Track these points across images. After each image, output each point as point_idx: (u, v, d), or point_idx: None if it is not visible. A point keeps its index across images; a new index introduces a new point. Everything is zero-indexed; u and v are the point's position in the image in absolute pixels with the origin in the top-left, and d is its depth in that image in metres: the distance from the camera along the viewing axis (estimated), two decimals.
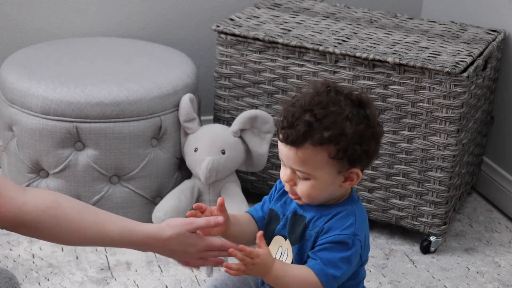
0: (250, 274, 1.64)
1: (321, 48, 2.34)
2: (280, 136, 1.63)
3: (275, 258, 1.74)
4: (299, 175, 1.64)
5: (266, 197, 1.83)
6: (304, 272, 1.64)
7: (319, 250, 1.67)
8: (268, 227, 1.78)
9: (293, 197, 1.70)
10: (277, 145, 2.52)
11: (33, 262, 2.27)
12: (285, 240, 1.75)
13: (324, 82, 1.68)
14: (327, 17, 2.61)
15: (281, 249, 1.76)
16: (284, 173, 1.67)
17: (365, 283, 1.82)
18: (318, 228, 1.68)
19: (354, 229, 1.66)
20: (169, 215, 2.32)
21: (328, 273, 1.64)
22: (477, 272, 2.36)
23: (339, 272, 1.65)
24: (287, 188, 1.69)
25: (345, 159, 1.62)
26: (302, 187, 1.65)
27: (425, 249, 2.43)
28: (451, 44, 2.40)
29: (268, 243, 1.76)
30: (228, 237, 1.74)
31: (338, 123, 1.60)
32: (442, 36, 2.48)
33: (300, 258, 1.72)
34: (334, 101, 1.63)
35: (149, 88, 2.36)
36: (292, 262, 1.74)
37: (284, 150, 1.64)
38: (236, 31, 2.44)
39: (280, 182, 1.79)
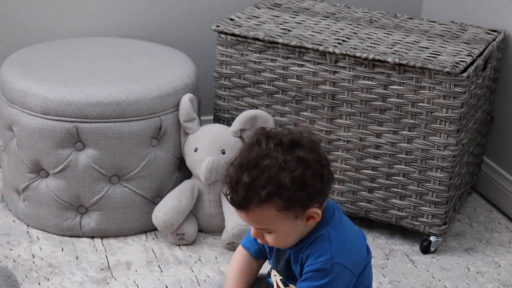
0: None
1: (321, 48, 2.34)
2: (228, 199, 1.64)
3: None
4: (260, 231, 1.66)
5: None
6: None
7: (301, 280, 1.68)
8: (270, 252, 1.79)
9: (270, 245, 1.71)
10: None
11: (33, 262, 2.27)
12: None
13: (257, 131, 1.65)
14: (327, 17, 2.61)
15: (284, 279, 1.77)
16: (251, 230, 1.69)
17: None
18: (300, 260, 1.69)
19: (330, 254, 1.65)
20: (169, 215, 2.32)
21: None
22: (477, 272, 2.36)
23: None
24: (259, 241, 1.71)
25: (295, 207, 1.61)
26: (269, 239, 1.67)
27: (425, 249, 2.43)
28: (451, 44, 2.40)
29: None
30: None
31: (273, 177, 1.58)
32: (442, 36, 2.48)
33: None
34: (265, 154, 1.60)
35: (149, 88, 2.36)
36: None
37: (237, 212, 1.65)
38: (236, 31, 2.44)
39: None
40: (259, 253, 1.81)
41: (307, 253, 1.66)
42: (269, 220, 1.62)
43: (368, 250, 1.75)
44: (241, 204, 1.61)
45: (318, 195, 1.62)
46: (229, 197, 1.63)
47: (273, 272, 1.80)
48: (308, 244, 1.67)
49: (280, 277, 1.77)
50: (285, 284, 1.77)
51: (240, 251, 1.84)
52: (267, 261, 1.81)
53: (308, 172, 1.60)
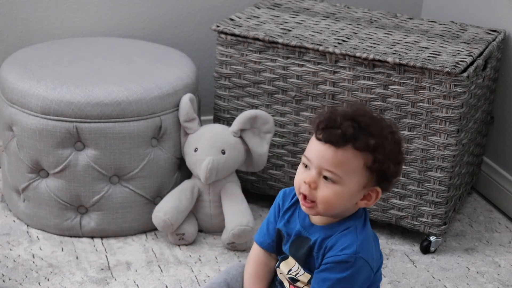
0: None
1: (321, 48, 2.34)
2: (321, 135, 1.61)
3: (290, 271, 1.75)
4: (328, 176, 1.62)
5: (269, 218, 1.81)
6: None
7: (321, 270, 1.67)
8: (280, 246, 1.78)
9: (306, 205, 1.66)
10: (277, 145, 2.54)
11: (33, 262, 2.27)
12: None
13: (360, 103, 1.72)
14: (327, 17, 2.61)
15: (297, 265, 1.75)
16: (306, 175, 1.64)
17: None
18: (323, 248, 1.68)
19: (356, 247, 1.65)
20: (169, 215, 2.32)
21: None
22: (477, 272, 2.36)
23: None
24: (305, 191, 1.65)
25: (375, 174, 1.62)
26: (325, 191, 1.63)
27: (425, 249, 2.43)
28: (451, 44, 2.40)
29: (286, 259, 1.77)
30: None
31: (382, 136, 1.62)
32: (442, 36, 2.48)
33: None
34: (376, 118, 1.66)
35: (149, 88, 2.36)
36: (309, 280, 1.73)
37: (319, 149, 1.62)
38: (236, 31, 2.44)
39: (283, 199, 1.78)
40: (273, 247, 1.80)
41: (333, 241, 1.66)
42: (350, 168, 1.61)
43: (380, 254, 1.76)
44: (339, 140, 1.59)
45: (390, 180, 1.66)
46: (324, 131, 1.61)
47: (279, 270, 1.80)
48: (338, 232, 1.67)
49: (289, 275, 1.76)
50: (293, 280, 1.77)
51: (254, 249, 1.83)
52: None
53: (401, 155, 1.66)
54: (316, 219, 1.72)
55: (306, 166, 1.65)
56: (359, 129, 1.61)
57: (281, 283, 1.81)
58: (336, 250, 1.65)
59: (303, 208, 1.68)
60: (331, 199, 1.63)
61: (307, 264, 1.71)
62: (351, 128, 1.60)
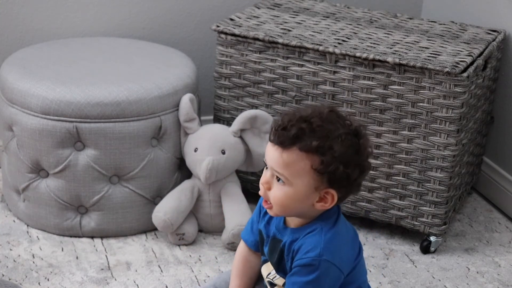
0: None
1: (321, 48, 2.34)
2: (271, 136, 1.64)
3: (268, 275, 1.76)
4: (278, 177, 1.64)
5: (253, 218, 1.84)
6: None
7: (290, 275, 1.68)
8: (262, 248, 1.79)
9: (266, 206, 1.69)
10: None
11: (33, 262, 2.27)
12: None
13: (329, 106, 1.70)
14: (327, 17, 2.61)
15: (274, 271, 1.77)
16: (263, 175, 1.67)
17: None
18: (291, 252, 1.69)
19: (319, 250, 1.65)
20: (169, 215, 2.32)
21: None
22: (477, 272, 2.36)
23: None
24: (261, 192, 1.68)
25: (325, 176, 1.62)
26: (276, 192, 1.64)
27: (425, 249, 2.43)
28: (451, 44, 2.40)
29: (264, 262, 1.78)
30: None
31: (330, 137, 1.61)
32: (442, 36, 2.48)
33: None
34: (332, 120, 1.64)
35: (149, 88, 2.36)
36: (284, 284, 1.74)
37: (270, 150, 1.64)
38: (236, 31, 2.44)
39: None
40: (257, 246, 1.82)
41: (299, 244, 1.67)
42: (297, 170, 1.61)
43: (360, 249, 1.75)
44: (286, 141, 1.61)
45: (347, 183, 1.64)
46: (274, 133, 1.63)
47: (262, 270, 1.80)
48: (304, 235, 1.67)
49: (267, 279, 1.77)
50: (271, 284, 1.78)
51: (241, 246, 1.86)
52: None
53: (356, 158, 1.64)
54: (289, 221, 1.73)
55: (266, 169, 1.68)
56: (307, 131, 1.61)
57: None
58: (301, 253, 1.66)
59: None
60: (282, 200, 1.64)
61: (280, 267, 1.73)
62: (295, 130, 1.61)
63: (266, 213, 1.77)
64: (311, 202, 1.65)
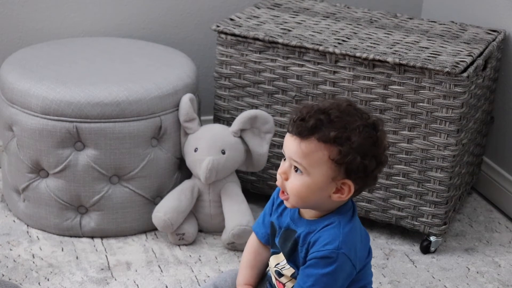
0: None
1: (321, 48, 2.34)
2: (290, 127, 1.66)
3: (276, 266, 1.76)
4: (297, 167, 1.65)
5: (265, 211, 1.85)
6: None
7: (305, 267, 1.69)
8: (273, 240, 1.79)
9: (282, 197, 1.70)
10: (277, 145, 2.54)
11: (33, 262, 2.27)
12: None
13: (347, 99, 1.73)
14: (327, 17, 2.61)
15: (285, 261, 1.77)
16: (281, 166, 1.69)
17: None
18: (307, 244, 1.69)
19: (338, 243, 1.66)
20: (169, 215, 2.32)
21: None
22: (477, 272, 2.36)
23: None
24: (278, 182, 1.69)
25: (343, 166, 1.64)
26: (294, 182, 1.66)
27: (425, 249, 2.43)
28: (451, 44, 2.40)
29: (277, 253, 1.78)
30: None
31: (348, 129, 1.64)
32: (442, 36, 2.48)
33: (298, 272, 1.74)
34: (350, 113, 1.67)
35: (149, 88, 2.36)
36: (292, 275, 1.75)
37: (289, 141, 1.66)
38: (236, 31, 2.44)
39: (278, 193, 1.80)
40: (267, 238, 1.83)
41: (316, 237, 1.68)
42: (315, 161, 1.63)
43: (369, 251, 1.76)
44: (304, 131, 1.63)
45: (364, 175, 1.66)
46: (292, 124, 1.65)
47: (269, 264, 1.81)
48: (320, 228, 1.68)
49: (275, 268, 1.78)
50: (278, 274, 1.78)
51: (251, 238, 1.88)
52: None
53: (373, 149, 1.66)
54: (304, 213, 1.74)
55: (284, 160, 1.70)
56: (325, 122, 1.63)
57: (271, 283, 1.83)
58: (318, 245, 1.67)
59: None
60: (300, 189, 1.66)
61: (292, 258, 1.74)
62: (313, 120, 1.63)
63: (279, 205, 1.79)
64: (328, 193, 1.67)
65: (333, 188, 1.66)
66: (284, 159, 1.69)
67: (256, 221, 1.87)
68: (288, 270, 1.75)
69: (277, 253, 1.79)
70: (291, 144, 1.65)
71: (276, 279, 1.80)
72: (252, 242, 1.88)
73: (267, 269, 1.87)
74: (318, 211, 1.71)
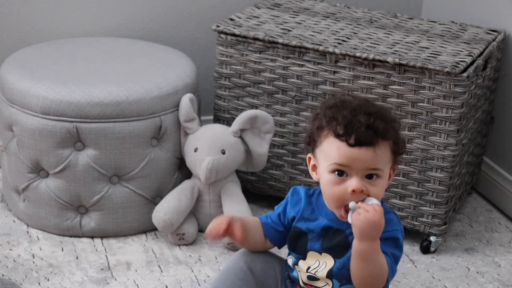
0: (371, 224, 1.62)
1: (321, 48, 2.34)
2: (351, 140, 1.65)
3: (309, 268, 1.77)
4: (372, 174, 1.67)
5: (278, 211, 1.86)
6: (385, 262, 1.68)
7: (386, 246, 1.71)
8: (298, 244, 1.79)
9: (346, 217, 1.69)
10: (277, 145, 2.54)
11: (33, 262, 2.27)
12: (320, 254, 1.76)
13: (351, 94, 1.82)
14: (327, 17, 2.61)
15: (318, 262, 1.76)
16: (350, 184, 1.66)
17: None
18: None
19: (400, 226, 1.75)
20: (169, 215, 2.32)
21: (394, 271, 1.73)
22: (477, 272, 2.36)
23: (396, 269, 1.75)
24: (356, 200, 1.66)
25: (397, 153, 1.73)
26: (375, 190, 1.67)
27: (425, 249, 2.43)
28: (451, 44, 2.40)
29: (303, 258, 1.78)
30: (242, 243, 1.83)
31: (388, 118, 1.71)
32: (442, 36, 2.48)
33: (344, 268, 1.73)
34: (372, 104, 1.74)
35: (149, 88, 2.36)
36: (327, 275, 1.74)
37: (357, 153, 1.65)
38: (236, 31, 2.44)
39: (293, 194, 1.81)
40: (266, 225, 1.84)
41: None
42: (386, 160, 1.69)
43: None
44: (373, 138, 1.65)
45: (399, 154, 1.74)
46: (352, 136, 1.65)
47: (298, 268, 1.80)
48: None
49: (307, 273, 1.76)
50: (312, 279, 1.77)
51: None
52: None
53: (399, 130, 1.76)
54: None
55: (340, 175, 1.67)
56: (378, 121, 1.67)
57: (291, 283, 1.83)
58: (388, 226, 1.69)
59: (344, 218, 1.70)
60: (382, 193, 1.70)
61: (342, 254, 1.74)
62: (380, 124, 1.67)
63: (302, 209, 1.79)
64: (387, 179, 1.73)
65: (390, 172, 1.74)
66: (340, 175, 1.67)
67: (267, 214, 1.88)
68: (323, 271, 1.75)
69: (303, 258, 1.78)
70: (363, 155, 1.64)
71: (309, 285, 1.79)
72: (258, 222, 1.87)
73: (285, 271, 1.86)
74: None
